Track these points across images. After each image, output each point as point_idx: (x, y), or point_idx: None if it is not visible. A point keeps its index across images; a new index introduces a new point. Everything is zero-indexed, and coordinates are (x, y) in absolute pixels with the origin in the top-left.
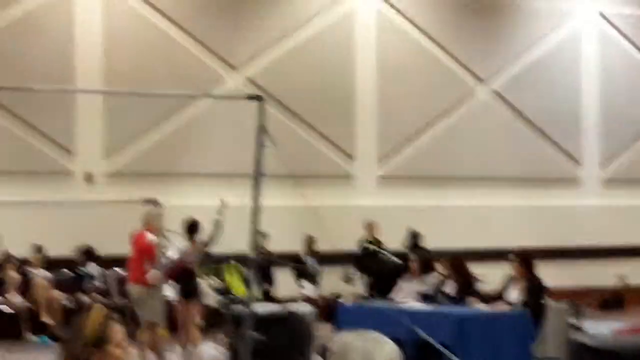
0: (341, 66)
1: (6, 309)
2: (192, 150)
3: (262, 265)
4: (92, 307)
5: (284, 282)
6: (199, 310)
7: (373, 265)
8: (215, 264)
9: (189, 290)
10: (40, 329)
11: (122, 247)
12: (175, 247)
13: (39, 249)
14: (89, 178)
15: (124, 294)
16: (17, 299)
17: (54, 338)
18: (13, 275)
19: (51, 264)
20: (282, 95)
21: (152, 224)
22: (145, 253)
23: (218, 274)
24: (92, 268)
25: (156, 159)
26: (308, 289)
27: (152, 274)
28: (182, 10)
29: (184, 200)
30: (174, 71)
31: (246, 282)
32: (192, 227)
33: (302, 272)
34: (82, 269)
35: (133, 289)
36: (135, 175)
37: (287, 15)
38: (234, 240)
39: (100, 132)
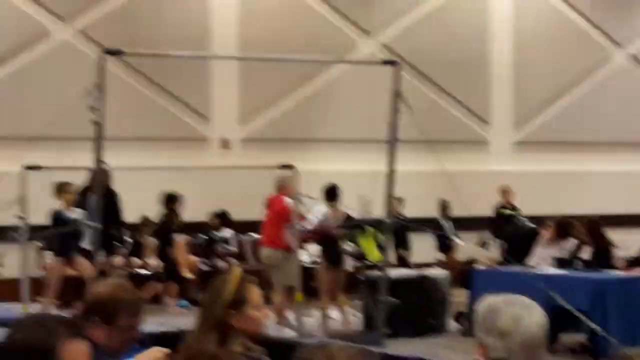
0: (476, 30)
1: (145, 272)
2: (326, 116)
3: (397, 230)
4: (230, 269)
5: (419, 247)
6: (343, 276)
7: (508, 229)
8: (351, 229)
9: (333, 257)
10: (178, 292)
11: (256, 212)
12: (316, 212)
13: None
14: (224, 144)
15: (258, 257)
16: (155, 262)
17: (192, 301)
18: (151, 239)
19: (187, 228)
20: (416, 61)
21: (287, 188)
22: (282, 217)
23: (353, 239)
24: (227, 232)
25: (290, 125)
26: (461, 248)
27: (288, 236)
28: None
29: (318, 166)
30: (309, 37)
31: (381, 247)
32: (331, 192)
33: (441, 238)
34: (216, 233)
35: (268, 252)
36: (270, 141)
37: None
38: (369, 206)
39: (235, 99)
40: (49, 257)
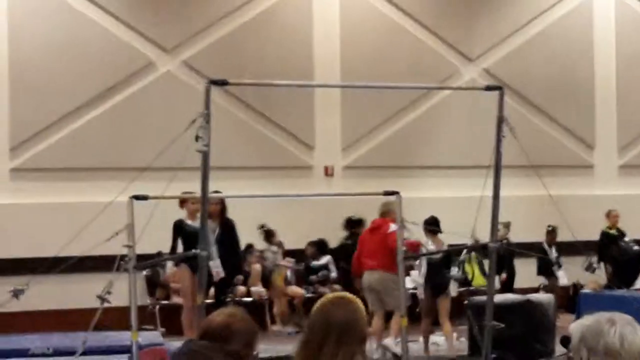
0: (579, 55)
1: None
2: (428, 143)
3: (502, 255)
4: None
5: (525, 272)
6: (448, 303)
7: (613, 252)
8: (456, 254)
9: (439, 285)
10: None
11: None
12: (426, 241)
13: (279, 244)
14: (328, 172)
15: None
16: (260, 290)
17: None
18: (256, 267)
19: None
20: (519, 86)
21: (392, 214)
22: (390, 242)
23: (458, 265)
24: (324, 259)
25: (393, 152)
26: (562, 277)
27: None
28: (417, 3)
29: (421, 193)
30: (410, 64)
31: (485, 272)
32: (432, 224)
33: (545, 262)
34: (314, 261)
35: (380, 275)
36: (372, 168)
37: (524, 5)
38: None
39: (338, 127)
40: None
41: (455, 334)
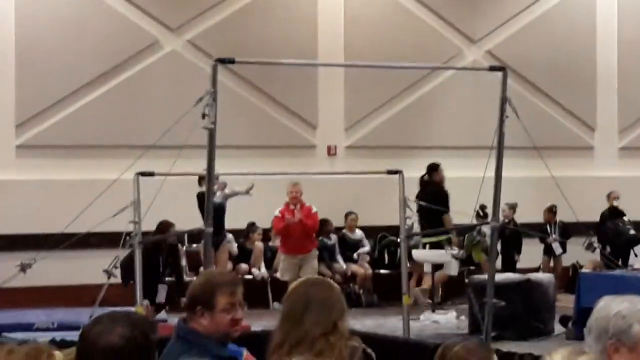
0: (582, 37)
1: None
2: (431, 124)
3: (510, 235)
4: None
5: (531, 252)
6: None
7: (609, 233)
8: (460, 234)
9: None
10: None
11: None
12: None
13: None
14: (331, 151)
15: None
16: (263, 268)
17: None
18: (259, 245)
19: None
20: (521, 68)
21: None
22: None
23: (461, 244)
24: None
25: (396, 132)
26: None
27: None
28: None
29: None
30: (414, 45)
31: (486, 251)
32: None
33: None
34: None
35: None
36: (375, 148)
37: None
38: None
39: (341, 107)
40: None
41: (455, 313)
